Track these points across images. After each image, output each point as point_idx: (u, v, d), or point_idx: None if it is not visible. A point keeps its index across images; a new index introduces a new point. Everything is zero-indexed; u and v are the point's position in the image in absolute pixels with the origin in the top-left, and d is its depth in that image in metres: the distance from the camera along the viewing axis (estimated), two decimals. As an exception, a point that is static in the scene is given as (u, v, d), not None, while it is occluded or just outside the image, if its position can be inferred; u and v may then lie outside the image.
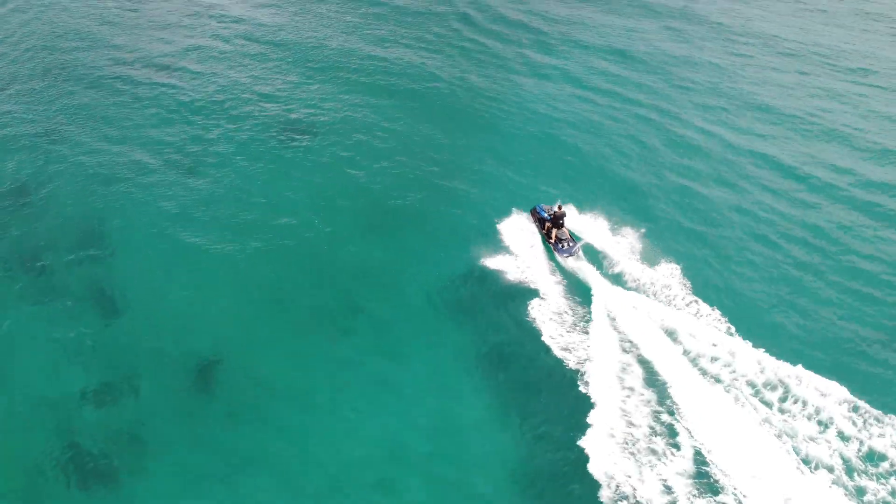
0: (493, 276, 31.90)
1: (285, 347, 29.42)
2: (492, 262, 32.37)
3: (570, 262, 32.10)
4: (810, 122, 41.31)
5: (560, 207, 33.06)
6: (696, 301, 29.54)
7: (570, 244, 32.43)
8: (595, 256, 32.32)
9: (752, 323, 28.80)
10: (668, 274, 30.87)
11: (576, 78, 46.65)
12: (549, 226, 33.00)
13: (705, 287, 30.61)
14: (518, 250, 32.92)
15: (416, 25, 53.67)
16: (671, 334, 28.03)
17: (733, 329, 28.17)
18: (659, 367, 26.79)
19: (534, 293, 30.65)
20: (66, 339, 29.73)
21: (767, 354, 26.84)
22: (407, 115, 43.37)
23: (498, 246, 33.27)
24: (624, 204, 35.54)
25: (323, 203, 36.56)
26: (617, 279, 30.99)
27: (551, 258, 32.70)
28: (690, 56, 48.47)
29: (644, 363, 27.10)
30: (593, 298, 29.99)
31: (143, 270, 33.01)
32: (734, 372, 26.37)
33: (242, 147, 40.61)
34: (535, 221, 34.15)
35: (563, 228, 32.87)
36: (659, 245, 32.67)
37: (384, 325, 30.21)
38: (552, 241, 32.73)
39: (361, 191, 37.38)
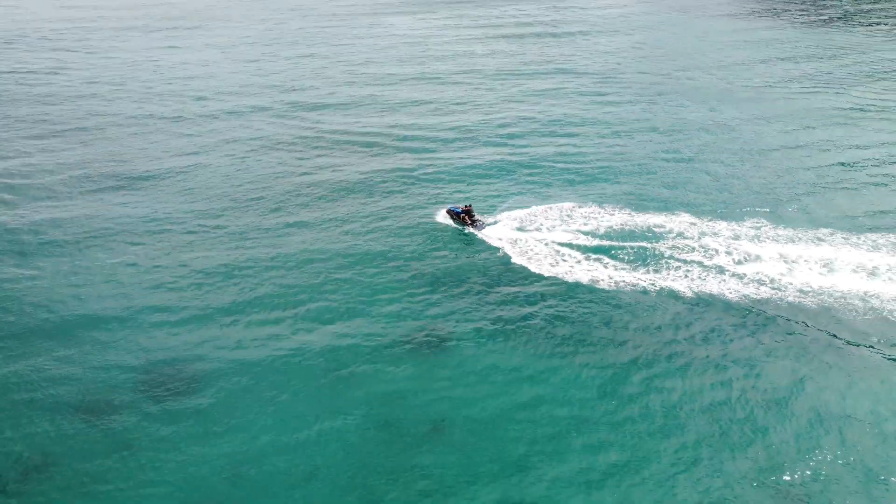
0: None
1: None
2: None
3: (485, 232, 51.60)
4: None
5: (470, 205, 53.16)
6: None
7: (482, 222, 52.45)
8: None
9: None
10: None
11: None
12: (465, 216, 52.70)
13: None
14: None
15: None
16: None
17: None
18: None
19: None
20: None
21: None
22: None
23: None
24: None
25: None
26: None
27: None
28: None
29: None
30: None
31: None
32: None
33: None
34: (451, 216, 53.56)
35: (475, 215, 52.91)
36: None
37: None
38: (469, 223, 52.30)
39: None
